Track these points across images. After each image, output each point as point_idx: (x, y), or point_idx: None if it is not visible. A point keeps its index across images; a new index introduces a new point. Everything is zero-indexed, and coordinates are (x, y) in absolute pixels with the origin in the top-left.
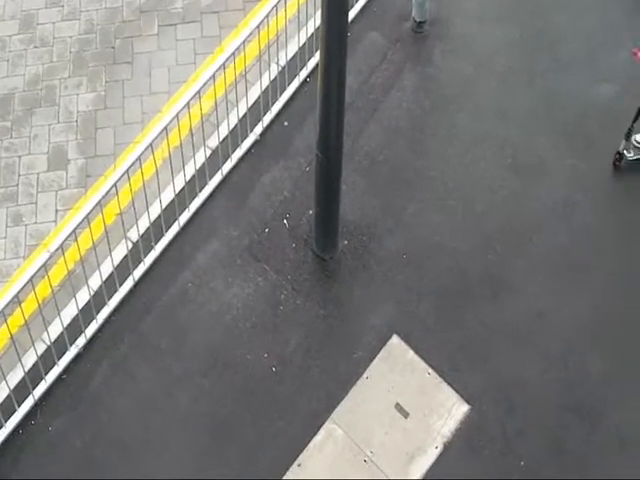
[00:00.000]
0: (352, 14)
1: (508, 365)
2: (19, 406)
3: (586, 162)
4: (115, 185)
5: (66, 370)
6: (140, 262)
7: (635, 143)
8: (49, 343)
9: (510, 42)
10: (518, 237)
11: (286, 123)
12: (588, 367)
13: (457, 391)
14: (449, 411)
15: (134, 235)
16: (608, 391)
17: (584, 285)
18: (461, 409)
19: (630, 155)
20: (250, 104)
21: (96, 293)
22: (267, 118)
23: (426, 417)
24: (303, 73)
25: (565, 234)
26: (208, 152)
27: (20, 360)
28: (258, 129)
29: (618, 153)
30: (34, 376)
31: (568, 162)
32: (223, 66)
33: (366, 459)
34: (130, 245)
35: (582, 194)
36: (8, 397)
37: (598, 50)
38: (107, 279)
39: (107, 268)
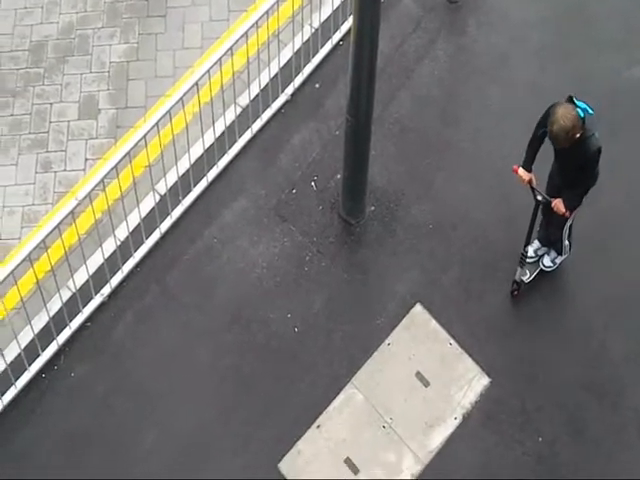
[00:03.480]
0: None
1: (530, 341)
2: (43, 351)
3: (616, 144)
4: (145, 137)
5: (90, 318)
6: (167, 215)
7: (528, 259)
8: (74, 290)
9: (546, 18)
10: None
11: (317, 85)
12: (609, 348)
13: (478, 363)
14: (469, 383)
15: (162, 188)
16: (628, 373)
17: (608, 265)
18: (481, 381)
19: (527, 278)
20: (282, 64)
21: (122, 244)
22: (299, 79)
23: (446, 387)
24: (336, 36)
25: (592, 213)
26: (238, 110)
27: (45, 305)
28: (289, 89)
29: (515, 282)
30: (58, 322)
31: None
32: (256, 24)
33: (385, 425)
34: (158, 198)
35: (609, 175)
36: (32, 341)
37: (633, 32)
38: (134, 230)
39: (134, 219)
